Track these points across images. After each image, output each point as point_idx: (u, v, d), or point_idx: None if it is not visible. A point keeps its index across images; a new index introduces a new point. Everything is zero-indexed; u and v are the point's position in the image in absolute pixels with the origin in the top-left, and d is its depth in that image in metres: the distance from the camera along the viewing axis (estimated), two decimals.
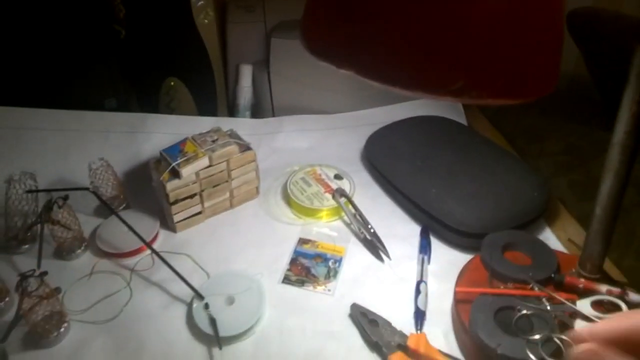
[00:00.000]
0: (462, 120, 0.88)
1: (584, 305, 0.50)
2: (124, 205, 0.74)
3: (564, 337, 0.47)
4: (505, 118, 0.99)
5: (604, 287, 0.51)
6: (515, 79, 0.36)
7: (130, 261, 0.66)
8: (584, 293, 0.52)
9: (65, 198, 0.65)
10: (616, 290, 0.50)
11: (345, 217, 0.71)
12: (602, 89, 0.98)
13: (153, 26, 0.90)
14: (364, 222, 0.68)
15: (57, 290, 0.56)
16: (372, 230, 0.67)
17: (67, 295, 0.61)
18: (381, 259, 0.64)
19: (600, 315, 0.49)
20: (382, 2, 0.37)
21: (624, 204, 0.75)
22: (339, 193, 0.71)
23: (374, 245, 0.66)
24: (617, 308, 0.49)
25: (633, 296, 0.50)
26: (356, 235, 0.68)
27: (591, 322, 0.48)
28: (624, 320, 0.30)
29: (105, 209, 0.69)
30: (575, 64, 1.04)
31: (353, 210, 0.70)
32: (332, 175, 0.77)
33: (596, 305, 0.50)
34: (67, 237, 0.66)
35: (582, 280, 0.53)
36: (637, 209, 0.76)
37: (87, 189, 0.69)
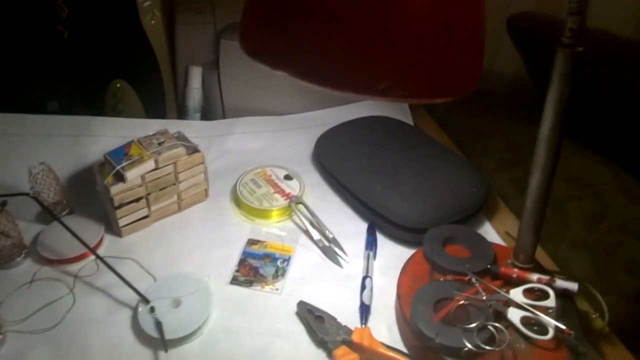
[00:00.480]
0: (409, 120, 0.91)
1: (516, 294, 0.52)
2: (67, 210, 0.72)
3: (497, 324, 0.50)
4: (453, 118, 1.02)
5: (534, 276, 0.54)
6: (438, 79, 0.38)
7: (73, 267, 0.64)
8: (517, 282, 0.55)
9: (4, 204, 0.63)
10: (545, 278, 0.53)
11: (298, 220, 0.71)
12: (540, 90, 1.03)
13: (97, 27, 0.88)
14: (321, 229, 0.69)
15: None
16: (331, 236, 0.68)
17: (5, 305, 0.59)
18: (340, 265, 0.65)
19: (531, 302, 0.51)
20: (313, 6, 0.39)
21: (559, 197, 0.80)
22: (295, 200, 0.72)
23: (332, 252, 0.66)
24: (546, 294, 0.52)
25: (560, 283, 0.53)
26: (312, 240, 0.68)
27: (522, 308, 0.51)
28: None
29: (48, 214, 0.67)
30: (518, 67, 1.08)
31: (310, 217, 0.70)
32: (282, 175, 0.78)
33: (527, 293, 0.53)
34: (6, 244, 0.63)
35: (516, 270, 0.56)
36: (571, 203, 0.80)
37: (26, 194, 0.67)
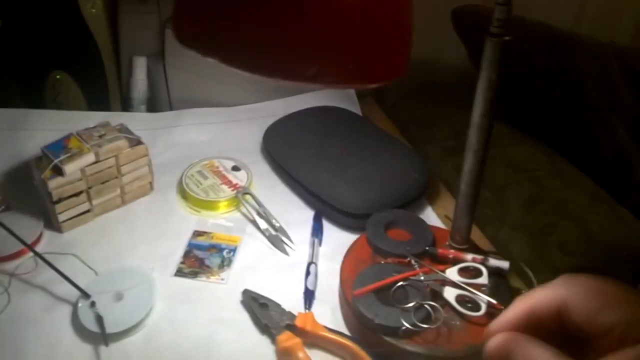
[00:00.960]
0: (357, 110, 0.92)
1: (451, 273, 0.55)
2: (3, 207, 0.69)
3: (433, 303, 0.52)
4: (402, 108, 1.04)
5: (469, 256, 0.57)
6: (364, 64, 0.39)
7: (9, 265, 0.62)
8: (454, 262, 0.57)
9: None
10: (479, 257, 0.56)
11: (245, 211, 0.71)
12: None
13: (34, 15, 0.84)
14: (268, 218, 0.69)
15: None
16: (277, 225, 0.68)
17: None
18: (286, 253, 0.66)
19: (465, 280, 0.54)
20: None
21: (499, 182, 0.83)
22: (242, 191, 0.72)
23: (279, 240, 0.67)
24: (479, 272, 0.54)
25: (492, 262, 0.55)
26: (259, 229, 0.69)
27: (457, 287, 0.53)
28: (521, 305, 0.33)
29: None
30: (465, 58, 1.12)
31: (257, 207, 0.71)
32: (229, 167, 0.77)
33: (462, 271, 0.55)
34: None
35: (452, 251, 0.58)
36: (511, 187, 0.83)
37: None
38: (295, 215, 0.71)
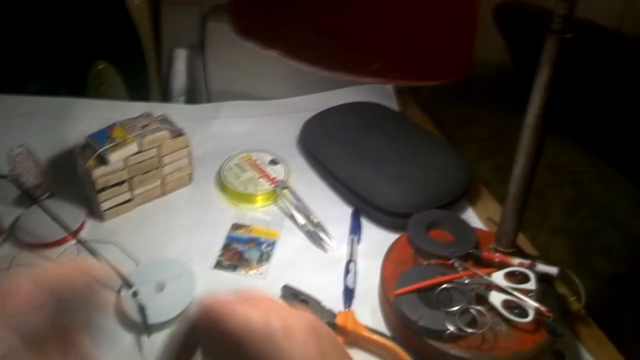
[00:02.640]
0: (394, 106, 0.91)
1: (498, 277, 0.53)
2: (47, 194, 0.71)
3: (479, 307, 0.51)
4: (437, 105, 1.03)
5: (516, 260, 0.55)
6: (430, 61, 0.38)
7: (52, 252, 0.63)
8: (499, 266, 0.56)
9: None
10: (526, 262, 0.54)
11: (283, 205, 0.71)
12: (524, 78, 1.04)
13: (80, 6, 0.85)
14: (307, 213, 0.69)
15: None
16: (315, 221, 0.68)
17: None
18: (325, 250, 0.65)
19: (512, 285, 0.52)
20: None
21: (540, 185, 0.81)
22: (281, 185, 0.71)
23: (317, 236, 0.66)
24: (526, 278, 0.53)
25: (540, 267, 0.54)
26: (297, 224, 0.68)
27: (503, 292, 0.52)
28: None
29: (27, 198, 0.65)
30: (502, 54, 1.09)
31: (295, 202, 0.70)
32: (267, 160, 0.77)
33: (509, 276, 0.54)
34: None
35: (498, 254, 0.56)
36: (551, 190, 0.81)
37: (4, 177, 0.65)
38: (333, 212, 0.71)
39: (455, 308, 0.50)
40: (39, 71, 0.88)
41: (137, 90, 0.91)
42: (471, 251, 0.58)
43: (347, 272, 0.61)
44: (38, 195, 0.69)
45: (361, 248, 0.65)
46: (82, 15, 0.85)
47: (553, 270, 0.53)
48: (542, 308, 0.49)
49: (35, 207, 0.65)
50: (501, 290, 0.52)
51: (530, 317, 0.49)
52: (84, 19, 0.85)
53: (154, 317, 0.55)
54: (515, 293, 0.51)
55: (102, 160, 0.65)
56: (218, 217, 0.70)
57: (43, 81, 0.88)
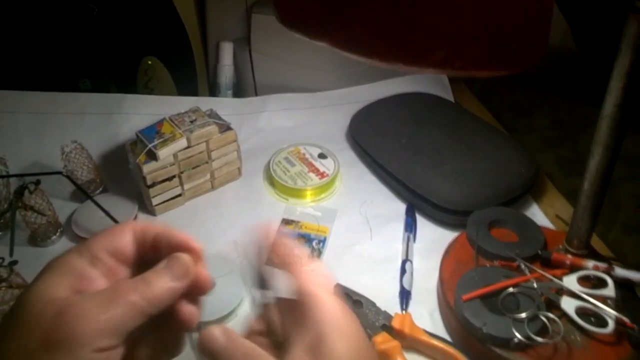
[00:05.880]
0: (449, 96, 0.86)
1: (570, 282, 0.49)
2: (100, 189, 0.72)
3: (550, 314, 0.47)
4: (492, 93, 0.97)
5: (590, 263, 0.50)
6: (501, 49, 0.34)
7: None
8: (571, 269, 0.51)
9: (37, 183, 0.63)
10: (602, 265, 0.50)
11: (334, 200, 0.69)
12: (590, 62, 0.96)
13: (127, 2, 0.86)
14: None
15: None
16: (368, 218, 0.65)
17: None
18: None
19: (587, 290, 0.48)
20: None
21: (611, 178, 0.75)
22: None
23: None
24: (603, 283, 0.48)
25: (619, 271, 0.49)
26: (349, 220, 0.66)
27: (577, 297, 0.47)
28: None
29: (81, 193, 0.66)
30: (562, 37, 1.02)
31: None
32: (316, 154, 0.75)
33: (583, 281, 0.49)
34: (41, 222, 0.63)
35: (569, 256, 0.52)
36: (624, 183, 0.75)
37: (59, 172, 0.66)
38: (386, 208, 0.68)
39: (523, 314, 0.46)
40: (90, 69, 0.89)
41: (185, 85, 0.91)
42: (539, 252, 0.53)
43: (403, 272, 0.58)
44: (92, 190, 0.70)
45: (416, 246, 0.62)
46: (130, 12, 0.86)
47: (636, 275, 0.48)
48: (624, 318, 0.44)
49: (89, 202, 0.66)
50: (574, 295, 0.48)
51: (611, 328, 0.44)
52: (131, 16, 0.86)
53: (204, 315, 0.53)
54: (591, 299, 0.47)
55: (152, 155, 0.65)
56: (267, 212, 0.68)
57: (94, 78, 0.89)
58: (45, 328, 0.25)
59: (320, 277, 0.32)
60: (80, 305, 0.26)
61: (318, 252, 0.62)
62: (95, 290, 0.28)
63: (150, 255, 0.31)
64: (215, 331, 0.29)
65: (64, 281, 0.27)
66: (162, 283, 0.29)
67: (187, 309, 0.31)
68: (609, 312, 0.45)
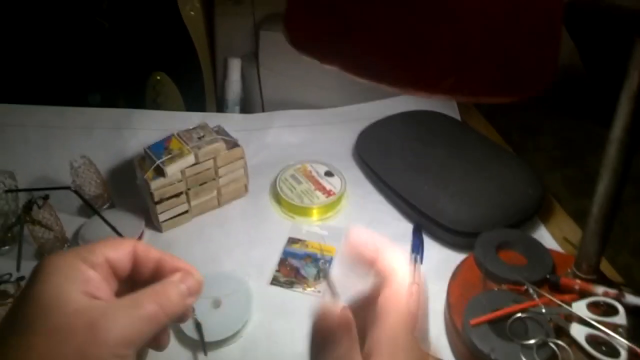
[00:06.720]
0: (456, 115, 0.86)
1: (579, 308, 0.48)
2: (108, 204, 0.72)
3: (559, 341, 0.46)
4: (499, 112, 0.97)
5: (600, 289, 0.50)
6: (509, 75, 0.34)
7: None
8: (580, 295, 0.50)
9: (46, 197, 0.63)
10: (613, 292, 0.49)
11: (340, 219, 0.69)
12: (597, 83, 0.96)
13: (137, 18, 0.87)
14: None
15: None
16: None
17: None
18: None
19: (597, 317, 0.47)
20: None
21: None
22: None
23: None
24: (614, 310, 0.47)
25: (630, 298, 0.48)
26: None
27: (587, 325, 0.47)
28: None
29: (89, 208, 0.67)
30: (569, 57, 1.02)
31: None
32: (322, 172, 0.75)
33: (592, 307, 0.48)
34: (49, 237, 0.63)
35: (578, 281, 0.51)
36: (633, 205, 0.74)
37: (68, 187, 0.67)
38: (392, 227, 0.68)
39: (532, 341, 0.46)
40: (99, 84, 0.90)
41: (193, 100, 0.92)
42: (547, 276, 0.53)
43: None
44: (99, 205, 0.71)
45: (423, 268, 0.62)
46: (140, 28, 0.87)
47: None
48: (637, 349, 0.44)
49: (96, 217, 0.66)
50: (584, 322, 0.47)
51: (623, 358, 0.44)
52: (141, 32, 0.87)
53: (210, 335, 0.54)
54: (601, 327, 0.46)
55: (160, 172, 0.65)
56: (273, 229, 0.68)
57: (103, 93, 0.90)
58: (80, 340, 0.26)
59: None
60: (112, 318, 0.27)
61: (325, 272, 0.62)
62: (102, 295, 0.28)
63: (139, 276, 0.32)
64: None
65: (76, 285, 0.28)
66: (180, 298, 0.30)
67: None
68: (621, 342, 0.45)
